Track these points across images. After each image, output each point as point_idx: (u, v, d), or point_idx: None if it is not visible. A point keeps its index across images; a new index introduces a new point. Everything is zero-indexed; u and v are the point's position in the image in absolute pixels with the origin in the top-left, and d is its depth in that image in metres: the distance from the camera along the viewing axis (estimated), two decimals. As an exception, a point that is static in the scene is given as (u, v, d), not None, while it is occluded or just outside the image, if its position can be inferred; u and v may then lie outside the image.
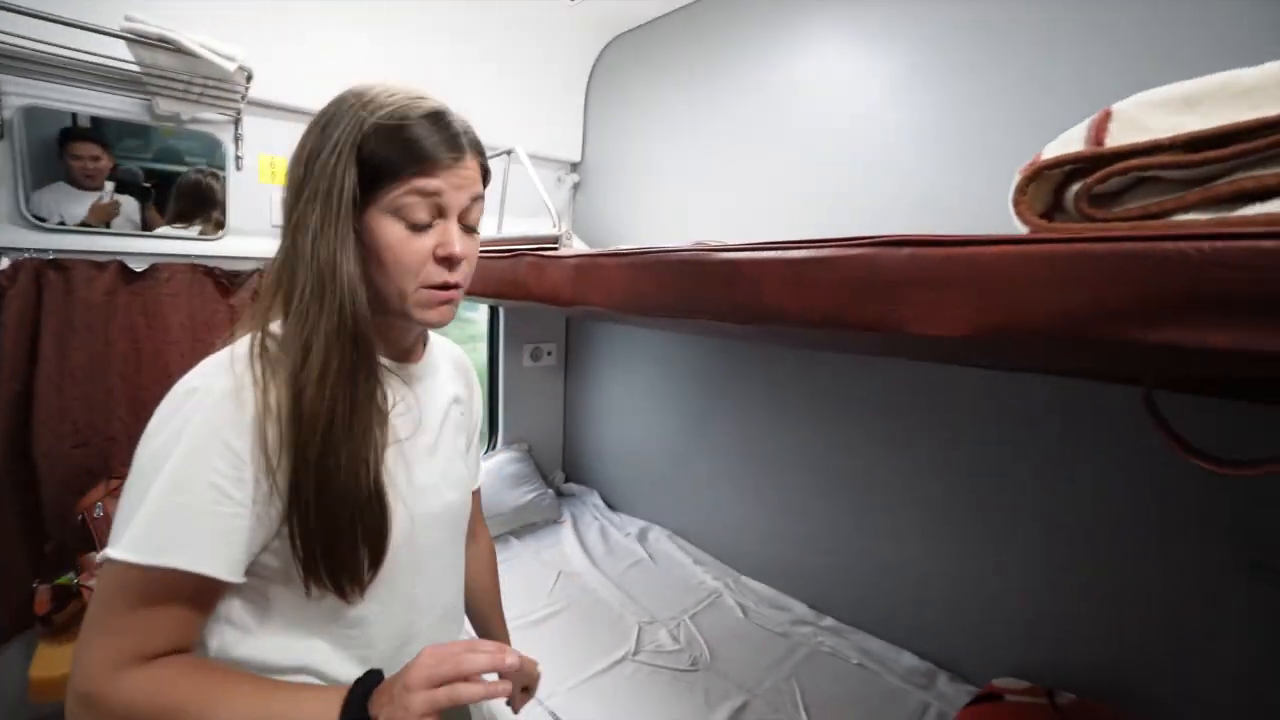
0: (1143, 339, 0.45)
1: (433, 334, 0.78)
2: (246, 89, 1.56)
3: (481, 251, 0.77)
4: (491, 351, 2.54)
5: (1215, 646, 1.18)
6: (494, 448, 2.52)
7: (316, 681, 0.62)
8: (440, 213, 0.60)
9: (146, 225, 1.60)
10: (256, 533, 0.57)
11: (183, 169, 1.63)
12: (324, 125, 0.59)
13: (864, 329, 0.61)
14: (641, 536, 2.25)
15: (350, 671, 0.61)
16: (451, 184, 0.59)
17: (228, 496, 0.54)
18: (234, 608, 0.60)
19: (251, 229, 1.73)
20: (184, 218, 1.65)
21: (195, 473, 0.53)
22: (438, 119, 0.60)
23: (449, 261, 0.61)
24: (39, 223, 1.42)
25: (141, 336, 1.59)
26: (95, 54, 1.37)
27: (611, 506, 2.51)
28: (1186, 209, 0.48)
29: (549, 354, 2.63)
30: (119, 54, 1.39)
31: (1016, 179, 0.56)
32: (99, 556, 0.54)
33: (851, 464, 1.75)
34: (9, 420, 1.41)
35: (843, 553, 1.78)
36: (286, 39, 1.70)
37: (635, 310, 0.93)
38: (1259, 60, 0.46)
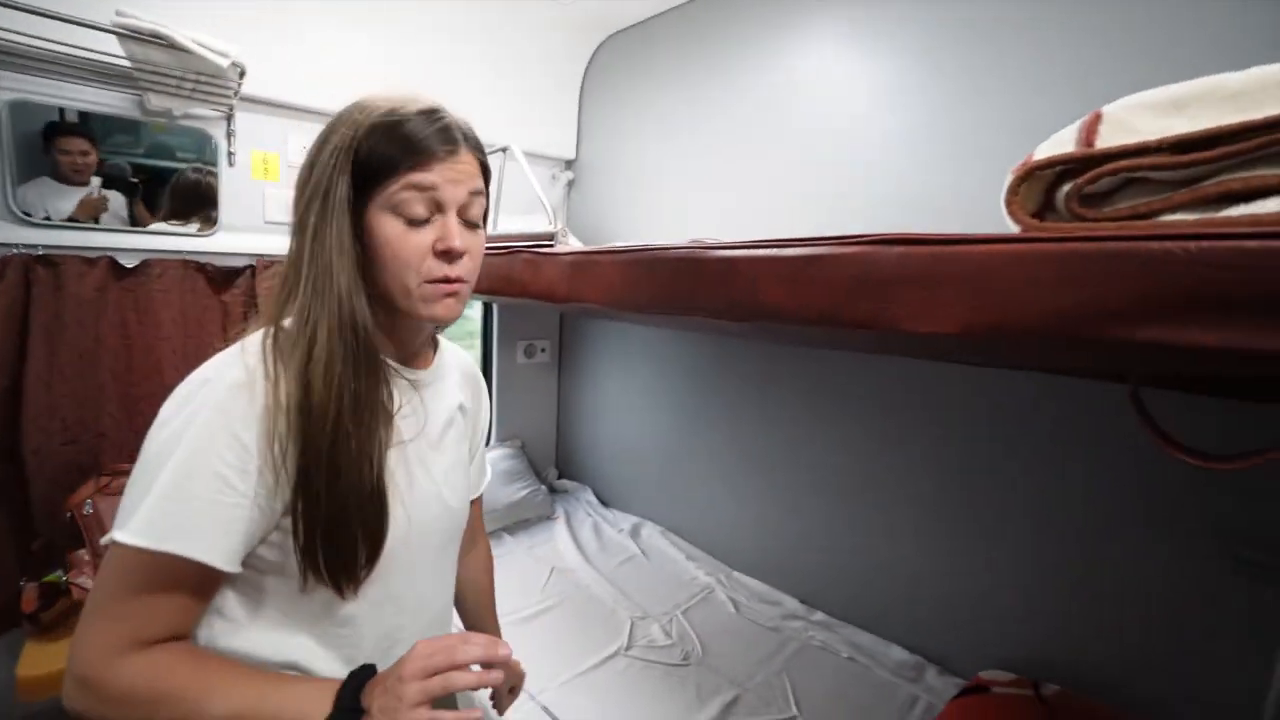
0: (1131, 337, 0.46)
1: (445, 342, 0.80)
2: (239, 85, 1.55)
3: None
4: (485, 348, 2.53)
5: (1195, 639, 1.20)
6: (487, 444, 2.52)
7: None
8: (438, 208, 0.61)
9: (134, 221, 1.58)
10: (256, 524, 0.57)
11: (174, 165, 1.62)
12: (326, 134, 0.62)
13: (858, 326, 0.62)
14: (634, 533, 2.26)
15: (336, 671, 0.62)
16: (447, 178, 0.60)
17: (231, 487, 0.55)
18: (226, 600, 0.61)
19: (244, 225, 1.72)
20: (180, 216, 1.64)
21: (202, 462, 0.54)
22: (431, 114, 0.61)
23: (449, 255, 0.61)
24: (25, 218, 1.41)
25: (132, 333, 1.58)
26: (85, 49, 1.36)
27: (605, 503, 2.52)
28: (1174, 209, 0.49)
29: (543, 351, 2.63)
30: (110, 49, 1.37)
31: (1009, 179, 0.57)
32: (104, 539, 0.55)
33: (844, 461, 1.76)
34: (-3, 417, 1.40)
35: (834, 549, 1.80)
36: (280, 35, 1.69)
37: (631, 307, 0.94)
38: (1250, 61, 0.47)
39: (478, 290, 1.30)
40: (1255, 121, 0.42)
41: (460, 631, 0.63)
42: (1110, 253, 0.47)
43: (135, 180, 1.59)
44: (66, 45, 1.33)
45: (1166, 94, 0.49)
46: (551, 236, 1.28)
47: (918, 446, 1.60)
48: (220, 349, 0.61)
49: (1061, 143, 0.54)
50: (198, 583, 0.57)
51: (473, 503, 0.91)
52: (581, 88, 2.47)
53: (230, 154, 1.66)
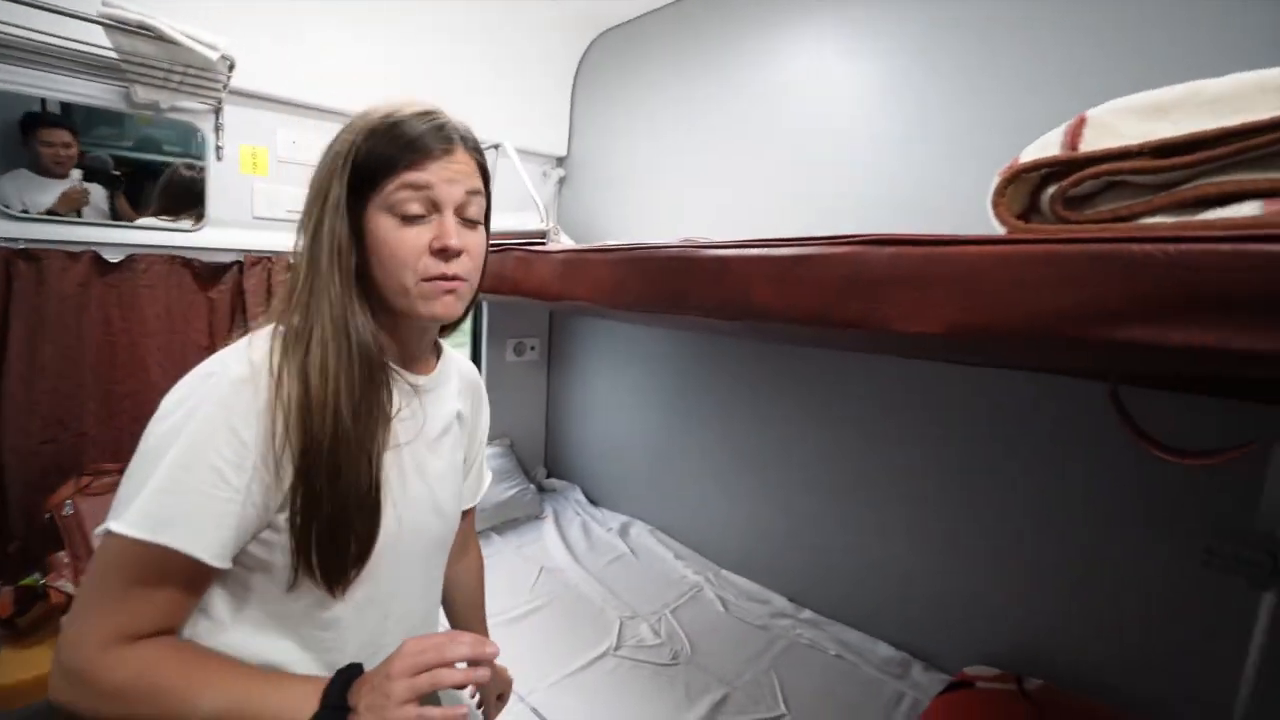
0: (1113, 337, 0.48)
1: (449, 350, 0.80)
2: (229, 78, 1.54)
3: None
4: (475, 346, 2.53)
5: (1195, 639, 1.22)
6: (477, 444, 2.51)
7: None
8: (435, 207, 0.61)
9: (116, 215, 1.56)
10: (249, 521, 0.57)
11: (159, 158, 1.60)
12: (331, 140, 0.64)
13: (849, 326, 0.63)
14: (623, 532, 2.26)
15: (317, 675, 0.62)
16: (442, 177, 0.61)
17: (226, 482, 0.55)
18: (212, 597, 0.61)
19: (231, 220, 1.70)
20: (172, 212, 1.63)
21: (200, 456, 0.54)
22: (426, 115, 0.62)
23: (445, 253, 0.61)
24: (3, 210, 1.39)
25: (116, 329, 1.56)
26: (70, 39, 1.34)
27: (593, 502, 2.52)
28: (1154, 212, 0.51)
29: (532, 349, 2.63)
30: (96, 40, 1.36)
31: (995, 181, 0.58)
32: (99, 529, 0.55)
33: (833, 459, 1.78)
34: (-27, 415, 1.38)
35: (823, 547, 1.81)
36: (270, 29, 1.67)
37: (623, 306, 0.94)
38: (1241, 61, 0.48)
39: (470, 288, 1.31)
40: (1231, 128, 0.44)
41: (448, 630, 0.63)
42: (1093, 254, 0.48)
43: (117, 173, 1.56)
44: (51, 35, 1.31)
45: (1149, 99, 0.50)
46: (543, 235, 1.28)
47: (909, 445, 1.61)
48: (223, 345, 0.62)
49: (1047, 145, 0.56)
50: (189, 577, 0.57)
51: (466, 511, 0.92)
52: (573, 85, 2.47)
53: (218, 148, 1.65)
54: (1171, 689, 1.24)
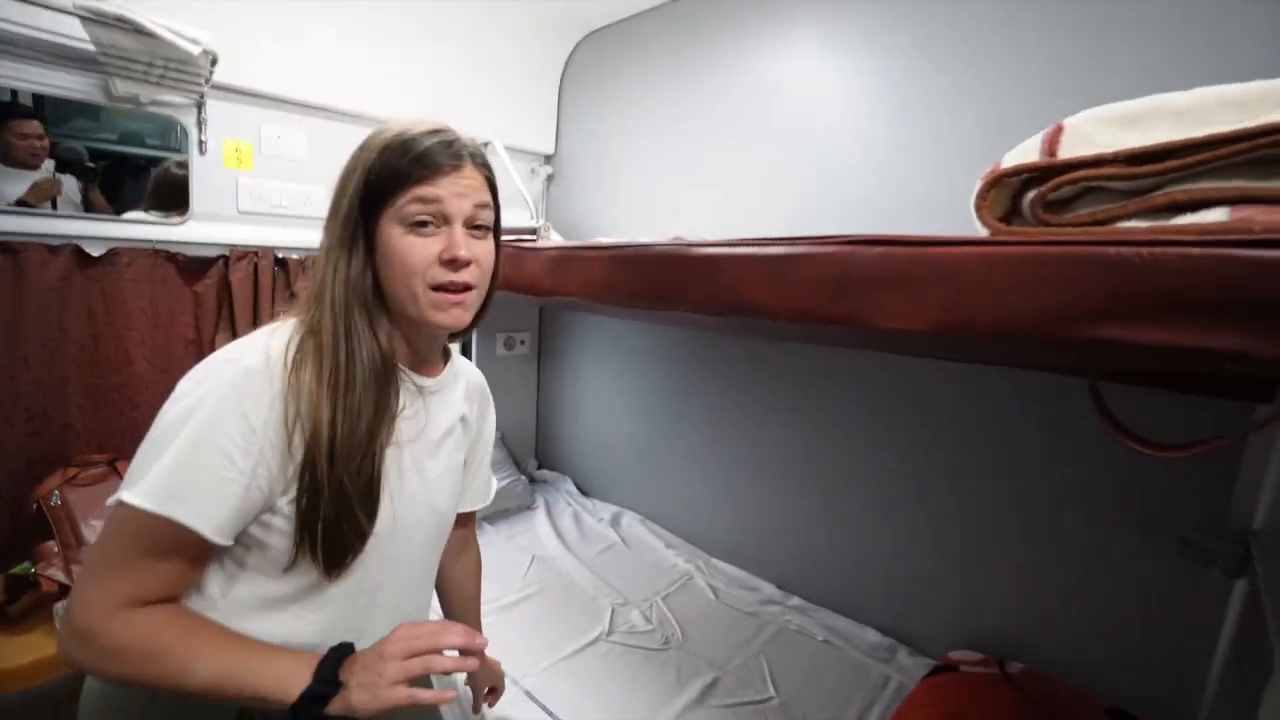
0: (1089, 335, 0.50)
1: (458, 356, 0.83)
2: (211, 72, 1.51)
3: None
4: (465, 340, 2.52)
5: (1195, 636, 1.26)
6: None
7: None
8: (445, 220, 0.64)
9: (89, 207, 1.54)
10: (251, 502, 0.60)
11: (140, 152, 1.58)
12: (349, 159, 0.67)
13: (837, 323, 0.65)
14: (614, 521, 2.28)
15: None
16: (451, 191, 0.63)
17: (233, 463, 0.58)
18: (206, 573, 0.64)
19: (216, 215, 1.68)
20: (162, 209, 1.61)
21: (210, 438, 0.57)
22: (437, 133, 0.65)
23: (454, 264, 0.64)
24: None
25: (100, 323, 1.55)
26: (44, 30, 1.31)
27: (584, 492, 2.54)
28: (1129, 217, 0.53)
29: (522, 343, 2.63)
30: (72, 31, 1.32)
31: (978, 185, 0.60)
32: (110, 499, 0.58)
33: (822, 451, 1.81)
34: (-43, 409, 1.37)
35: (811, 536, 1.84)
36: (254, 23, 1.64)
37: (614, 302, 0.95)
38: (1242, 61, 0.50)
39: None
40: (1197, 139, 0.46)
41: (440, 620, 0.66)
42: (1071, 256, 0.50)
43: (91, 165, 1.54)
44: (24, 25, 1.28)
45: (1121, 109, 0.52)
46: (534, 231, 1.28)
47: (895, 438, 1.64)
48: (218, 338, 0.65)
49: (1027, 151, 0.57)
50: (193, 551, 0.60)
51: (469, 514, 0.95)
52: (560, 84, 2.46)
53: (201, 142, 1.62)
54: (1147, 672, 1.27)
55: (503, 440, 2.55)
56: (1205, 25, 1.11)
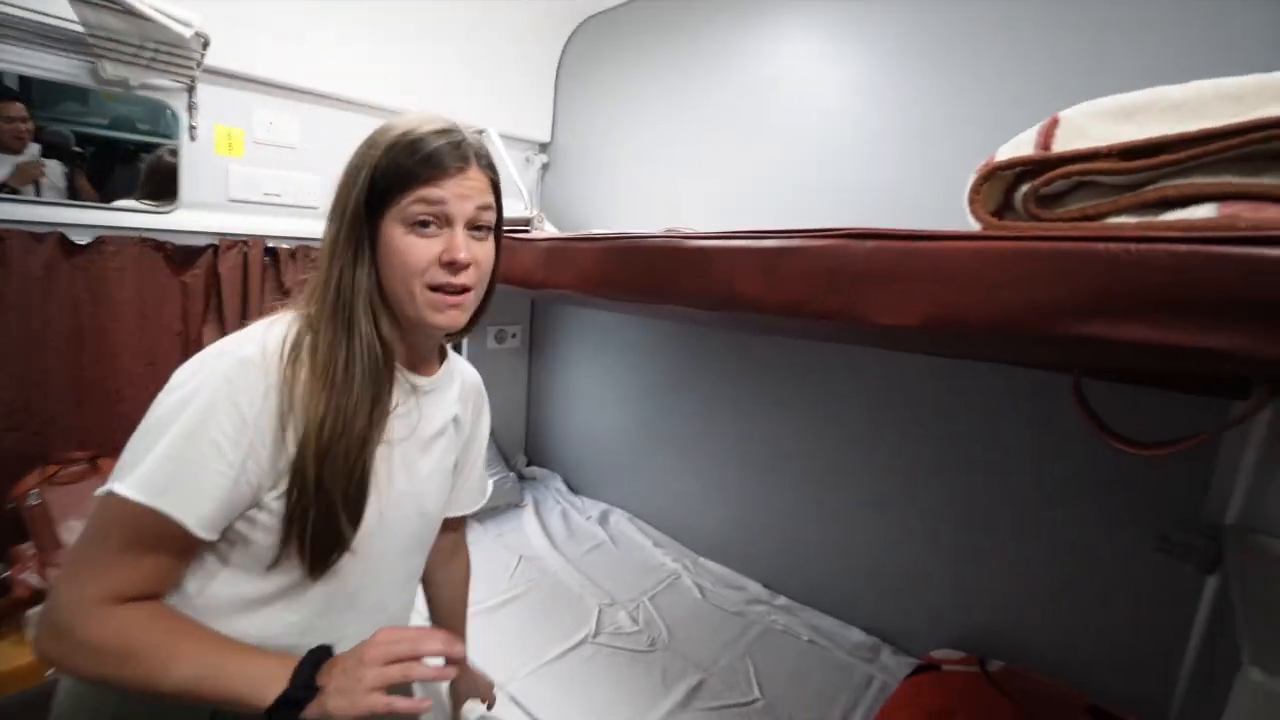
0: (1077, 332, 0.50)
1: (456, 357, 0.83)
2: (203, 56, 1.49)
3: None
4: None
5: (1129, 613, 1.28)
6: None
7: None
8: (447, 221, 0.64)
9: (74, 193, 1.52)
10: (239, 496, 0.59)
11: (131, 137, 1.56)
12: (355, 155, 0.67)
13: (829, 318, 0.65)
14: (603, 519, 2.28)
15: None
16: (455, 193, 0.63)
17: (222, 455, 0.57)
18: (188, 571, 0.63)
19: (206, 202, 1.66)
20: (156, 198, 1.59)
21: (202, 428, 0.57)
22: (443, 133, 0.64)
23: (453, 266, 0.64)
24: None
25: (85, 314, 1.52)
26: (31, 9, 1.29)
27: (573, 489, 2.52)
28: (1120, 212, 0.53)
29: (513, 336, 2.62)
30: (59, 11, 1.31)
31: (972, 178, 0.60)
32: (99, 490, 0.57)
33: (810, 449, 1.81)
34: (-67, 399, 1.34)
35: (799, 534, 1.85)
36: (246, 5, 1.61)
37: (607, 295, 0.95)
38: (1227, 65, 0.50)
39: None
40: (1189, 134, 0.46)
41: (421, 626, 0.65)
42: (1061, 252, 0.50)
43: (79, 150, 1.51)
44: (10, 5, 1.26)
45: (1118, 102, 0.53)
46: (527, 222, 1.28)
47: (886, 432, 1.64)
48: (204, 330, 0.64)
49: (1021, 145, 0.58)
50: (180, 545, 0.59)
51: (459, 518, 0.94)
52: (557, 71, 2.44)
53: (192, 127, 1.60)
54: (1133, 669, 1.28)
55: (492, 436, 2.52)
56: (1205, 25, 1.11)
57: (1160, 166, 0.48)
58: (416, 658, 0.59)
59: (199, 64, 1.50)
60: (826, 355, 1.74)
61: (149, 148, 1.65)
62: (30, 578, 1.27)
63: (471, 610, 1.11)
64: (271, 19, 1.67)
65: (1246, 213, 0.45)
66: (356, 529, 0.64)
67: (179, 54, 1.45)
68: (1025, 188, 0.57)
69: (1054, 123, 0.56)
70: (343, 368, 0.62)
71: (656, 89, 2.10)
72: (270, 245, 1.75)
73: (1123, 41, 1.21)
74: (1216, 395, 0.99)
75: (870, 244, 0.61)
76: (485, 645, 1.41)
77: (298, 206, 1.81)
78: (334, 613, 0.69)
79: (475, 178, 0.65)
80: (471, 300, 0.69)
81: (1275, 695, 0.49)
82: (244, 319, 1.76)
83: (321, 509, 0.61)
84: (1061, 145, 0.54)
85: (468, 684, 1.03)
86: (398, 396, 0.69)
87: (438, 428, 0.77)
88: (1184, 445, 0.61)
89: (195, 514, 0.57)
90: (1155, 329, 0.46)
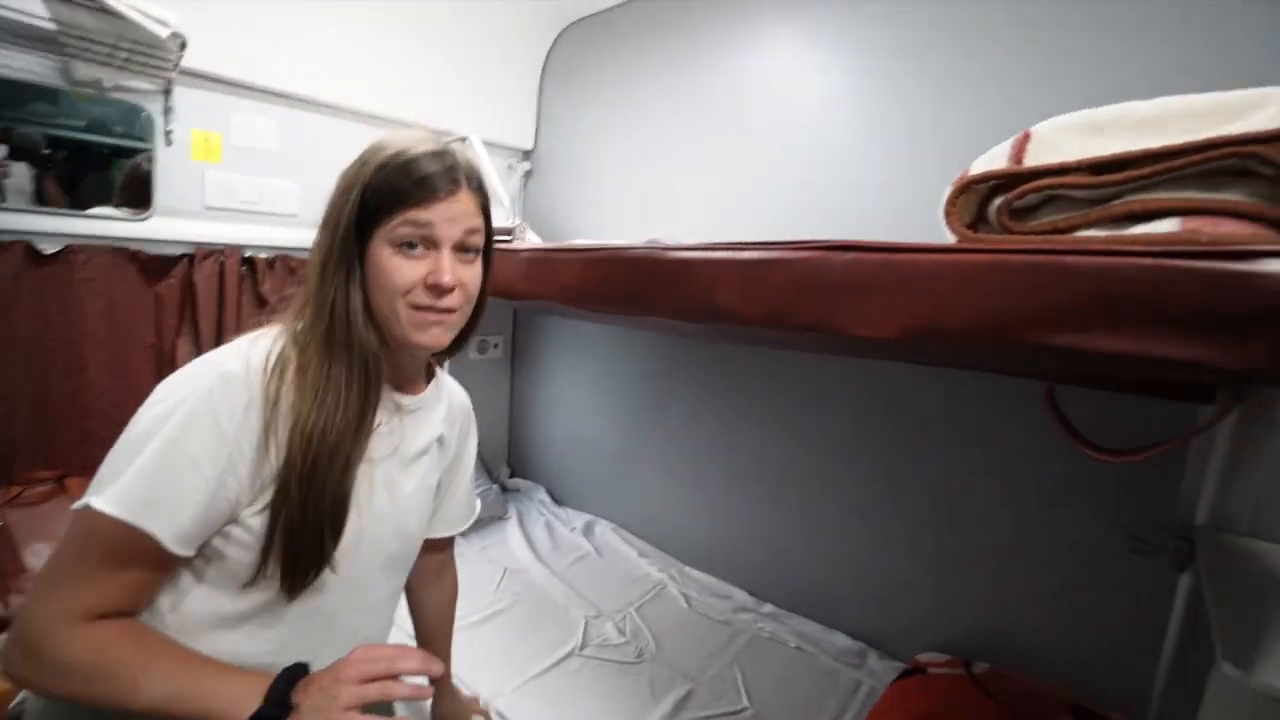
0: (1048, 342, 0.51)
1: (444, 376, 0.83)
2: (179, 57, 1.45)
3: None
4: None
5: (1108, 613, 1.30)
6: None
7: None
8: (434, 244, 0.64)
9: (42, 198, 1.47)
10: (216, 511, 0.58)
11: (107, 141, 1.52)
12: (348, 172, 0.67)
13: (808, 329, 0.65)
14: (588, 530, 2.26)
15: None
16: (444, 216, 0.64)
17: (199, 469, 0.57)
18: (161, 589, 0.62)
19: (181, 210, 1.62)
20: (135, 206, 1.55)
21: (181, 443, 0.56)
22: (436, 156, 0.64)
23: (438, 290, 0.64)
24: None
25: (52, 326, 1.47)
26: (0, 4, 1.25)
27: (557, 501, 2.51)
28: (1089, 225, 0.54)
29: (495, 347, 2.60)
30: (29, 8, 1.27)
31: (948, 191, 0.61)
32: (76, 504, 0.56)
33: (793, 456, 1.82)
34: (-110, 416, 1.29)
35: (783, 541, 1.85)
36: (225, 5, 1.58)
37: (589, 306, 0.95)
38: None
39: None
40: (1153, 150, 0.47)
41: (399, 645, 0.65)
42: (1033, 265, 0.51)
43: (48, 153, 1.47)
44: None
45: (1088, 117, 0.54)
46: (509, 231, 1.27)
47: (870, 440, 1.65)
48: (180, 342, 0.63)
49: (995, 158, 0.59)
50: (156, 561, 0.58)
51: (445, 539, 0.94)
52: (541, 77, 2.44)
53: (167, 132, 1.56)
54: (1116, 669, 1.30)
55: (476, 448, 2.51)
56: (1205, 25, 1.11)
57: (1126, 181, 0.50)
58: (394, 676, 0.58)
59: (176, 65, 1.47)
60: (809, 365, 1.75)
61: (123, 152, 1.61)
62: (-11, 605, 1.22)
63: (457, 625, 1.10)
64: (251, 20, 1.64)
65: (1207, 227, 0.46)
66: (332, 548, 0.64)
67: (155, 54, 1.42)
68: (999, 201, 0.58)
69: (1026, 137, 0.57)
70: (332, 386, 0.62)
71: (642, 95, 2.10)
72: (248, 254, 1.72)
73: (1122, 41, 1.21)
74: (1187, 400, 1.02)
75: (848, 256, 0.62)
76: (470, 661, 1.39)
77: (276, 214, 1.78)
78: (311, 633, 0.68)
79: (465, 201, 0.66)
80: (457, 320, 0.69)
81: (1248, 690, 0.50)
82: (220, 331, 1.74)
83: (302, 526, 0.60)
84: (1033, 159, 0.56)
85: (452, 706, 1.01)
86: (381, 415, 0.69)
87: (421, 447, 0.76)
88: (1152, 451, 0.62)
89: (171, 529, 0.56)
90: (1122, 339, 0.48)
